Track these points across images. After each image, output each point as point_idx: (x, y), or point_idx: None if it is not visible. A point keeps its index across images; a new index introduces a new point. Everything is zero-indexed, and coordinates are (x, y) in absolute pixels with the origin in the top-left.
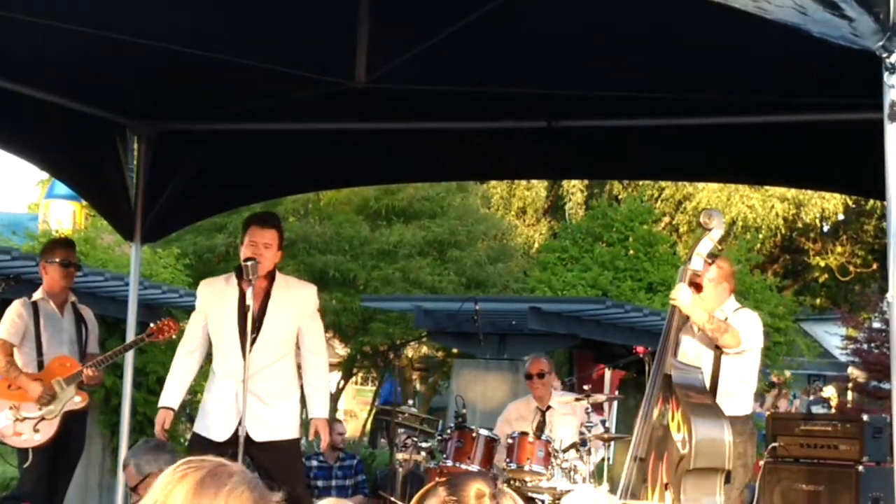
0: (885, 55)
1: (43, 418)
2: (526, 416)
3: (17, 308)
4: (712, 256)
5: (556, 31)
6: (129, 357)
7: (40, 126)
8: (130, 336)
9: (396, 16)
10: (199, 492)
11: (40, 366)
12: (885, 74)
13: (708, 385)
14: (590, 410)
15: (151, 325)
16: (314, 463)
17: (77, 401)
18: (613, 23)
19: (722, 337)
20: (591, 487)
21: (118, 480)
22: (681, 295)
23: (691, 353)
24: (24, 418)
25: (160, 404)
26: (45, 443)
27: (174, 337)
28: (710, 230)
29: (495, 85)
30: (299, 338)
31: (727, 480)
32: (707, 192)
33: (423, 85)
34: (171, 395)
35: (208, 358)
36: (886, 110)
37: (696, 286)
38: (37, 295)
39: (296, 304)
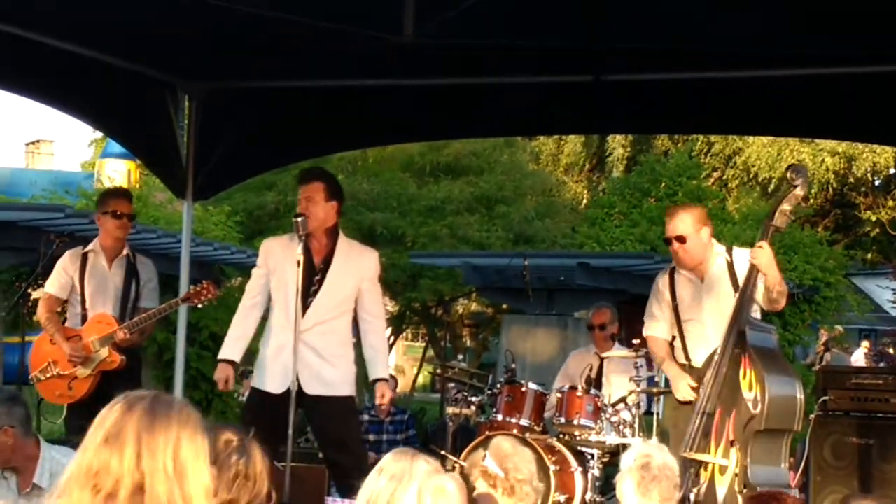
0: None
1: (75, 376)
2: (583, 364)
3: (64, 261)
4: (795, 213)
5: None
6: (182, 313)
7: (94, 86)
8: (183, 289)
9: None
10: (151, 419)
11: (84, 320)
12: None
13: None
14: (639, 365)
15: (188, 289)
16: (366, 417)
17: (110, 361)
18: None
19: (781, 300)
20: (646, 441)
21: None
22: (763, 254)
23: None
24: (60, 375)
25: (220, 357)
26: (77, 401)
27: (211, 301)
28: (795, 186)
29: (542, 39)
30: (358, 300)
31: None
32: (757, 147)
33: (470, 39)
34: (232, 348)
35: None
36: None
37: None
38: (90, 247)
39: (358, 267)
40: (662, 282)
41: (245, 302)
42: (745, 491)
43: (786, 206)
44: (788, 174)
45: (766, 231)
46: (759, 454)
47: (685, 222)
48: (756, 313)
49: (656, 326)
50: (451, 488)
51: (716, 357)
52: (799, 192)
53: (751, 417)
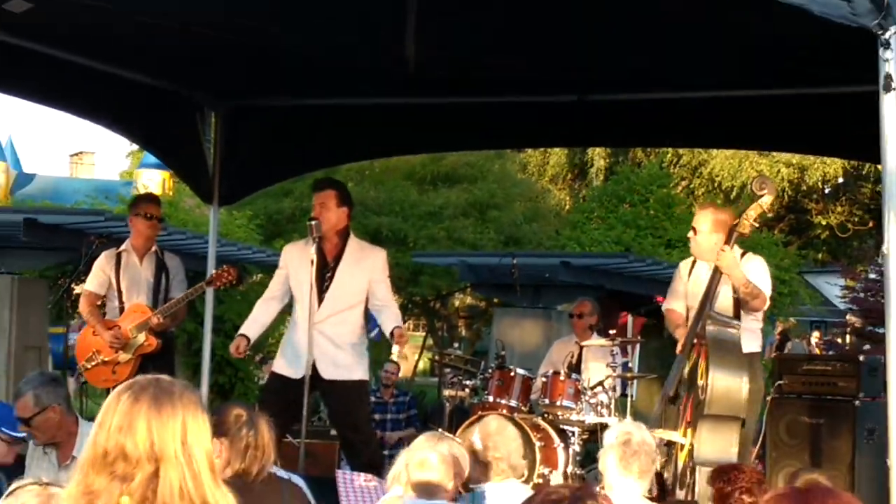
0: (880, 32)
1: (118, 361)
2: (565, 352)
3: (101, 261)
4: (759, 220)
5: (584, 17)
6: (209, 306)
7: (133, 104)
8: (210, 290)
9: (441, 5)
10: (159, 406)
11: (121, 311)
12: (881, 50)
13: None
14: (615, 353)
15: (210, 272)
16: (371, 399)
17: (147, 345)
18: (636, 8)
19: (753, 301)
20: (621, 420)
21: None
22: (725, 257)
23: (725, 302)
24: (104, 362)
25: (238, 333)
26: (121, 383)
27: (232, 283)
28: (761, 196)
29: (531, 64)
30: (370, 293)
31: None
32: (720, 159)
33: (465, 65)
34: (249, 327)
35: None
36: (882, 82)
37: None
38: (122, 247)
39: (366, 264)
40: (683, 264)
41: (265, 295)
42: (690, 465)
43: (751, 213)
44: (755, 186)
45: (731, 236)
46: (705, 436)
47: (705, 220)
48: (752, 317)
49: (674, 302)
50: (433, 459)
51: (683, 346)
52: (764, 201)
53: (699, 402)
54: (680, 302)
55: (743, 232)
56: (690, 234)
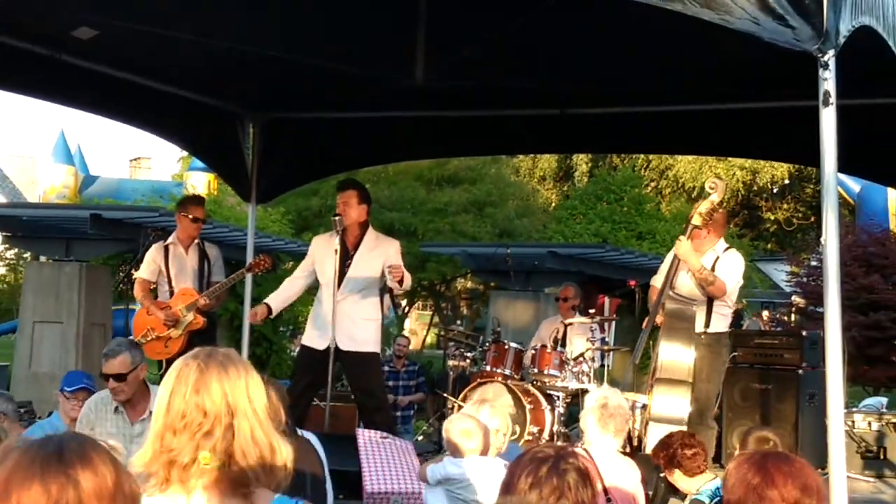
0: (820, 55)
1: (170, 337)
2: (552, 328)
3: (151, 253)
4: (710, 215)
5: (568, 41)
6: (248, 288)
7: (184, 117)
8: (249, 275)
9: (447, 31)
10: (226, 369)
11: (171, 294)
12: (821, 70)
13: (704, 312)
14: (594, 329)
15: (249, 261)
16: (385, 368)
17: (195, 322)
18: (613, 34)
19: (708, 287)
20: (599, 386)
21: None
22: (681, 246)
23: (686, 287)
24: (158, 337)
25: (263, 301)
26: (173, 355)
27: (268, 269)
28: (711, 194)
29: (521, 81)
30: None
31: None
32: (684, 163)
33: (467, 82)
34: (273, 298)
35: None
36: (821, 97)
37: (695, 237)
38: (169, 240)
39: (381, 251)
40: (671, 253)
41: (293, 274)
42: (650, 420)
43: (702, 209)
44: (708, 184)
45: (686, 228)
46: (658, 397)
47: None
48: (721, 302)
49: (656, 279)
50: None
51: (646, 321)
52: (714, 198)
53: (654, 368)
54: (660, 279)
55: (696, 224)
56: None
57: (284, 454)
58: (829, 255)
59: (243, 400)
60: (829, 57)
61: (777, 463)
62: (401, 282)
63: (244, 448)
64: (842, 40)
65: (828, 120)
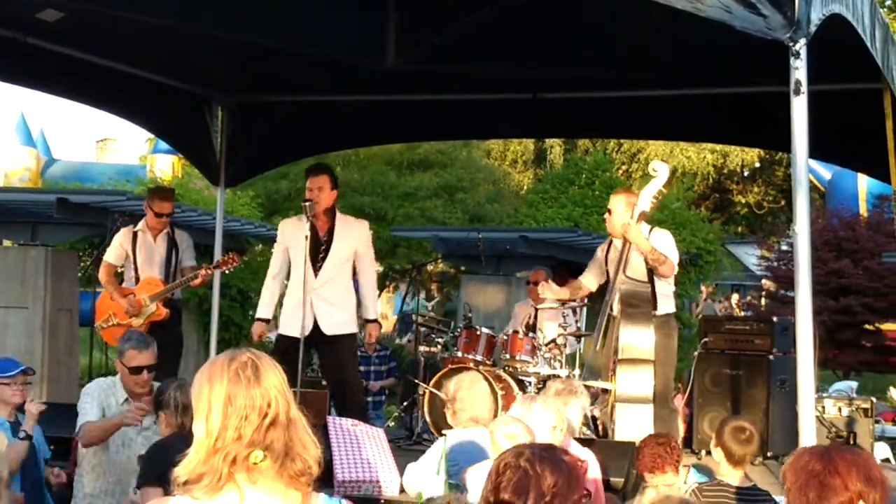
0: (791, 44)
1: (131, 325)
2: (525, 312)
3: (119, 237)
4: (657, 198)
5: (541, 26)
6: (216, 275)
7: (152, 100)
8: (217, 255)
9: (417, 15)
10: (264, 369)
11: (136, 281)
12: (791, 59)
13: (650, 291)
14: (566, 314)
15: (217, 258)
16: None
17: (158, 313)
18: (585, 20)
19: (660, 267)
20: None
21: None
22: (631, 230)
23: (637, 268)
24: (119, 324)
25: (256, 316)
26: None
27: (236, 266)
28: (655, 177)
29: (492, 66)
30: (356, 260)
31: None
32: (655, 147)
33: (438, 67)
34: (264, 309)
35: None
36: (792, 86)
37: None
38: (138, 226)
39: (353, 235)
40: (600, 249)
41: (270, 272)
42: (616, 403)
43: (648, 191)
44: (651, 169)
45: (633, 212)
46: (622, 378)
47: (617, 202)
48: (665, 283)
49: (583, 277)
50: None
51: (602, 306)
52: (658, 181)
53: (615, 351)
54: (589, 275)
55: (644, 209)
56: (606, 215)
57: (319, 448)
58: (800, 244)
59: (290, 392)
60: (801, 46)
61: (841, 453)
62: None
63: (303, 440)
64: (813, 28)
65: (799, 109)
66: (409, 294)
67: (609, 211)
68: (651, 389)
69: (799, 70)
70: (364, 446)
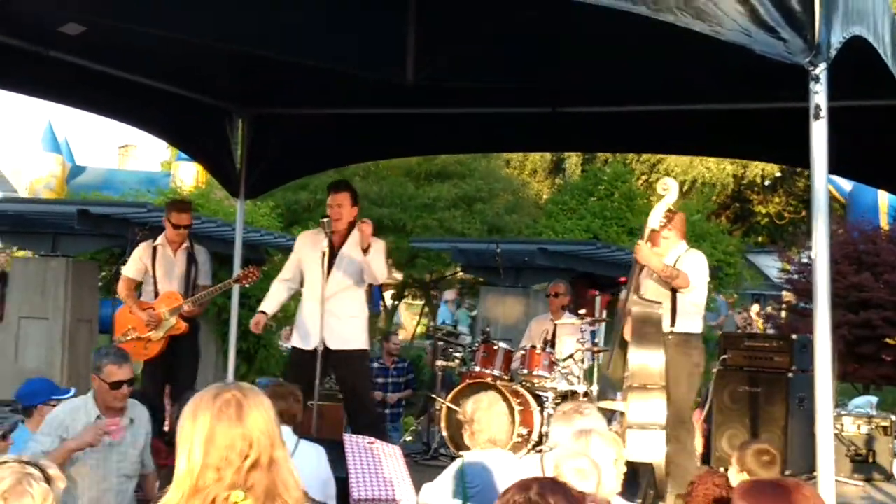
0: (811, 69)
1: (150, 339)
2: (542, 328)
3: (139, 251)
4: (667, 216)
5: (560, 41)
6: (236, 287)
7: (171, 112)
8: (237, 266)
9: (437, 30)
10: (267, 409)
11: (156, 295)
12: (811, 83)
13: (669, 311)
14: (584, 329)
15: (238, 272)
16: (375, 364)
17: (177, 327)
18: (605, 35)
19: (674, 281)
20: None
21: (229, 375)
22: (641, 251)
23: (651, 289)
24: (139, 338)
25: (259, 309)
26: (151, 358)
27: (256, 281)
28: (665, 196)
29: (513, 81)
30: (364, 269)
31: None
32: (674, 157)
33: (457, 81)
34: (267, 304)
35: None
36: (812, 111)
37: (654, 240)
38: (158, 240)
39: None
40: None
41: (280, 276)
42: (627, 427)
43: (657, 211)
44: (660, 187)
45: (643, 231)
46: (634, 402)
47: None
48: (689, 301)
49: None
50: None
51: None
52: (668, 200)
53: (627, 375)
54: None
55: (654, 227)
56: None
57: (302, 490)
58: (819, 267)
59: (277, 430)
60: (821, 70)
61: (796, 490)
62: (366, 250)
63: (286, 481)
64: (833, 52)
65: (818, 133)
66: (453, 304)
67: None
68: (663, 415)
69: (819, 94)
70: (381, 464)
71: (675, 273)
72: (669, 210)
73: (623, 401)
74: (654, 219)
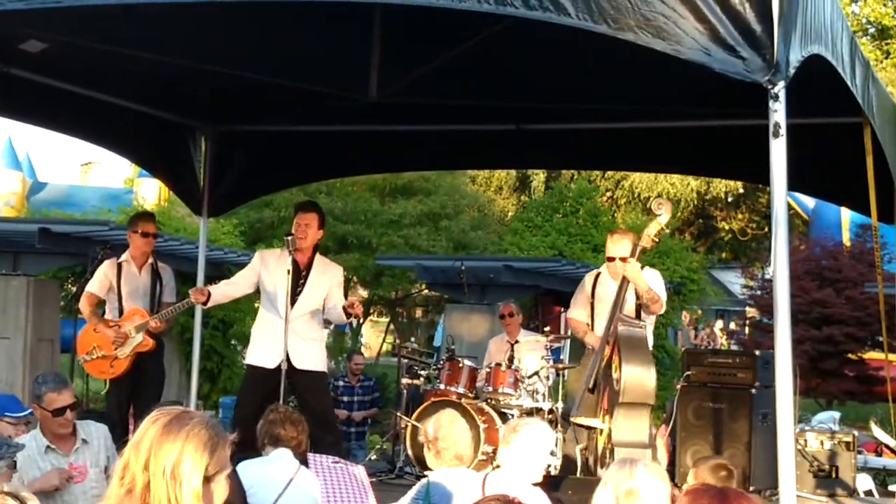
0: (770, 87)
1: (116, 357)
2: (501, 349)
3: (104, 268)
4: (659, 236)
5: (523, 58)
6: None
7: (132, 130)
8: (200, 284)
9: (400, 48)
10: (166, 432)
11: (121, 313)
12: (770, 101)
13: None
14: (548, 347)
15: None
16: (340, 383)
17: (144, 344)
18: (567, 54)
19: (653, 305)
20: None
21: (192, 395)
22: (630, 268)
23: (630, 306)
24: (104, 356)
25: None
26: (117, 376)
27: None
28: (659, 216)
29: (476, 98)
30: (327, 298)
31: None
32: (639, 174)
33: (421, 99)
34: (215, 289)
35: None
36: (771, 129)
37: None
38: (123, 257)
39: (330, 275)
40: (588, 277)
41: (233, 279)
42: (609, 446)
43: (651, 231)
44: (654, 207)
45: (634, 249)
46: (621, 421)
47: (626, 247)
48: (648, 320)
49: (576, 311)
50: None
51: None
52: (661, 220)
53: (615, 392)
54: (582, 311)
55: (645, 246)
56: (617, 260)
57: None
58: (779, 284)
59: (170, 464)
60: (780, 88)
61: (737, 499)
62: (357, 316)
63: None
64: (792, 70)
65: (778, 151)
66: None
67: (623, 259)
68: (647, 434)
69: (778, 112)
70: (344, 484)
71: (656, 297)
72: (662, 229)
73: (604, 418)
74: (646, 238)
